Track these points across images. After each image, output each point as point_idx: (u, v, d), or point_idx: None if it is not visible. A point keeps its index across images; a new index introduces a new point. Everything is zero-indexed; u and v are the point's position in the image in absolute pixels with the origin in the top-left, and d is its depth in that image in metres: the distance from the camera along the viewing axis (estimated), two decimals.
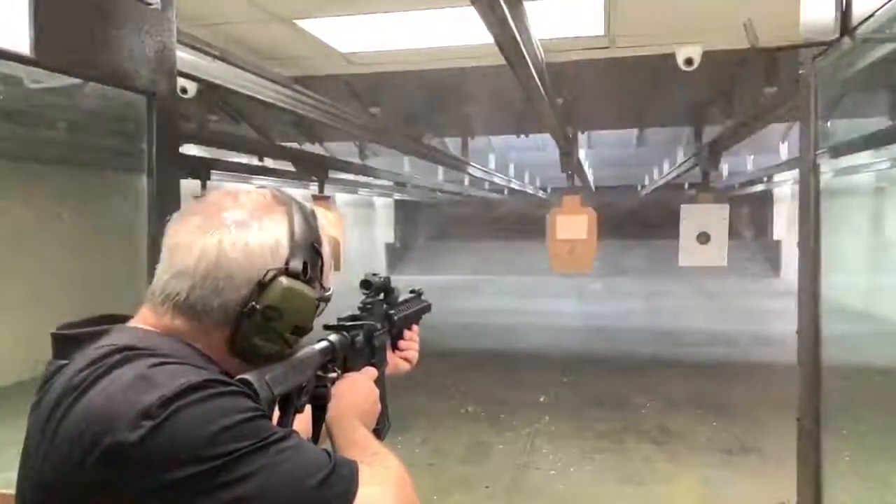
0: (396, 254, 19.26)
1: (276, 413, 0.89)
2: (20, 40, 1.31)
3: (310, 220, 0.94)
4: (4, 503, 0.98)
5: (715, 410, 5.80)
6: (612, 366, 7.78)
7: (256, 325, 0.87)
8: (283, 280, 0.88)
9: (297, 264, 0.90)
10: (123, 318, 0.92)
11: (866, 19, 1.66)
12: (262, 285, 0.87)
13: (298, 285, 0.89)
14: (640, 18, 3.63)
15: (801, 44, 1.97)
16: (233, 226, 0.87)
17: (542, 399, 6.29)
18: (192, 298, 0.86)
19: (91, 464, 0.72)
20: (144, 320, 0.89)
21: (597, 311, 12.12)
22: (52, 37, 1.39)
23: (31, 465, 0.81)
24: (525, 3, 2.67)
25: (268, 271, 0.87)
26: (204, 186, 6.78)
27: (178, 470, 0.71)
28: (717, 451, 4.91)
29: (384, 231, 18.85)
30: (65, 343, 0.86)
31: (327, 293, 0.97)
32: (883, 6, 1.55)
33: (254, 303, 0.87)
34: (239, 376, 0.83)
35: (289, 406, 0.90)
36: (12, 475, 0.84)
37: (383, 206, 18.57)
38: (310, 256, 0.92)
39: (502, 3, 2.22)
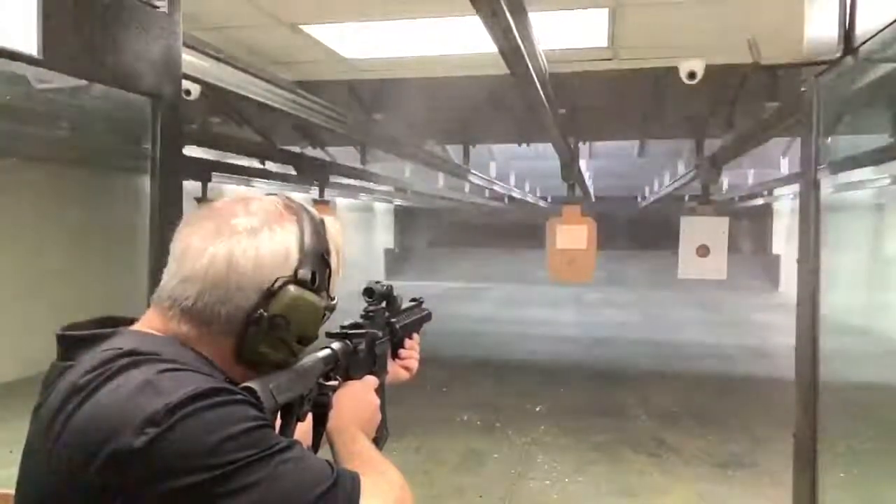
0: (395, 259, 19.26)
1: (278, 421, 0.89)
2: (29, 41, 1.32)
3: (319, 229, 0.94)
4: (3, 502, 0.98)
5: (711, 424, 5.79)
6: (610, 377, 7.77)
7: (263, 333, 0.87)
8: (292, 289, 0.88)
9: (305, 273, 0.89)
10: (128, 321, 0.91)
11: (869, 38, 1.67)
12: (271, 293, 0.87)
13: (307, 294, 0.89)
14: (643, 31, 3.65)
15: (805, 61, 1.98)
16: (244, 233, 0.87)
17: (538, 409, 6.28)
18: (200, 305, 0.85)
19: (94, 468, 0.72)
20: (150, 324, 0.88)
21: (595, 322, 12.11)
22: (61, 38, 1.40)
23: (32, 467, 0.80)
24: (529, 14, 2.69)
25: (276, 279, 0.87)
26: (205, 188, 6.80)
27: (181, 478, 0.71)
28: (712, 464, 4.89)
29: (384, 236, 18.87)
30: (70, 344, 0.86)
31: (333, 302, 0.96)
32: (886, 27, 1.57)
33: (261, 311, 0.86)
34: (243, 384, 0.83)
35: (291, 414, 0.90)
36: (10, 472, 0.84)
37: (383, 212, 18.59)
38: (318, 266, 0.92)
39: (507, 13, 2.23)
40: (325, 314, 0.93)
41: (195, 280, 0.86)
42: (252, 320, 0.86)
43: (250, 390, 0.82)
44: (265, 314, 0.86)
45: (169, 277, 0.88)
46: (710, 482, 4.58)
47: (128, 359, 0.79)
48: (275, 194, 0.96)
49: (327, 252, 0.94)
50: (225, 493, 0.72)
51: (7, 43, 1.29)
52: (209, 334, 0.87)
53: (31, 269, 6.90)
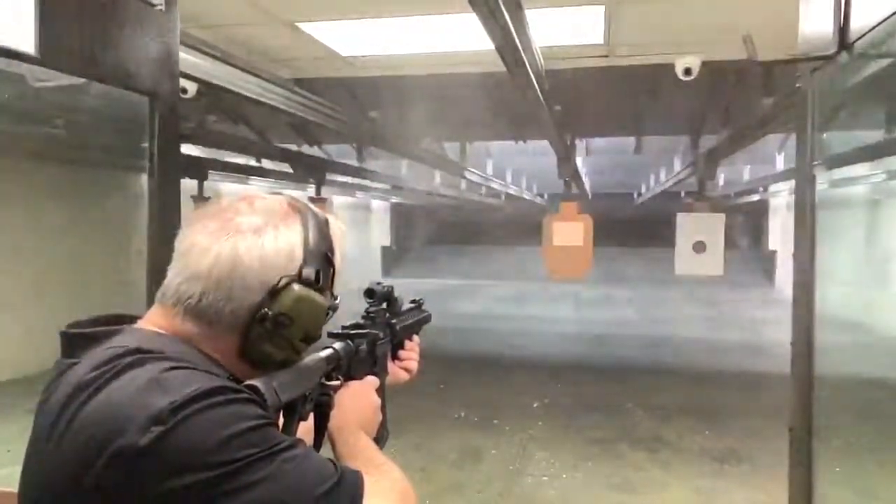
0: (392, 257, 19.25)
1: (281, 420, 0.89)
2: (26, 40, 1.32)
3: (323, 228, 0.95)
4: (4, 502, 0.98)
5: (708, 419, 5.81)
6: (607, 373, 7.79)
7: (267, 331, 0.87)
8: (296, 287, 0.88)
9: (310, 272, 0.90)
10: (131, 318, 0.91)
11: (864, 35, 1.68)
12: (275, 292, 0.87)
13: (311, 293, 0.89)
14: (639, 28, 3.66)
15: (800, 58, 1.99)
16: (248, 232, 0.87)
17: (535, 405, 6.29)
18: (204, 303, 0.86)
19: (99, 466, 0.72)
20: (154, 322, 0.88)
21: (592, 318, 12.13)
22: (58, 37, 1.40)
23: (36, 464, 0.81)
24: (526, 11, 2.69)
25: (281, 278, 0.87)
26: (202, 186, 6.79)
27: (186, 476, 0.72)
28: (709, 459, 4.91)
29: (380, 234, 18.86)
30: (74, 342, 0.86)
31: (336, 301, 0.97)
32: (880, 23, 1.57)
33: (266, 309, 0.87)
34: (247, 382, 0.83)
35: (293, 413, 0.90)
36: (9, 471, 0.84)
37: (380, 209, 18.58)
38: (322, 265, 0.92)
39: (503, 10, 2.23)
40: (328, 313, 0.94)
41: (200, 278, 0.86)
42: (256, 319, 0.87)
43: (254, 388, 0.82)
44: (269, 313, 0.86)
45: (174, 275, 0.88)
46: (707, 477, 4.60)
47: (133, 357, 0.79)
48: (279, 193, 0.96)
49: (331, 251, 0.95)
50: (229, 491, 0.72)
51: (5, 42, 1.29)
52: (213, 332, 0.87)
53: (27, 267, 6.88)
